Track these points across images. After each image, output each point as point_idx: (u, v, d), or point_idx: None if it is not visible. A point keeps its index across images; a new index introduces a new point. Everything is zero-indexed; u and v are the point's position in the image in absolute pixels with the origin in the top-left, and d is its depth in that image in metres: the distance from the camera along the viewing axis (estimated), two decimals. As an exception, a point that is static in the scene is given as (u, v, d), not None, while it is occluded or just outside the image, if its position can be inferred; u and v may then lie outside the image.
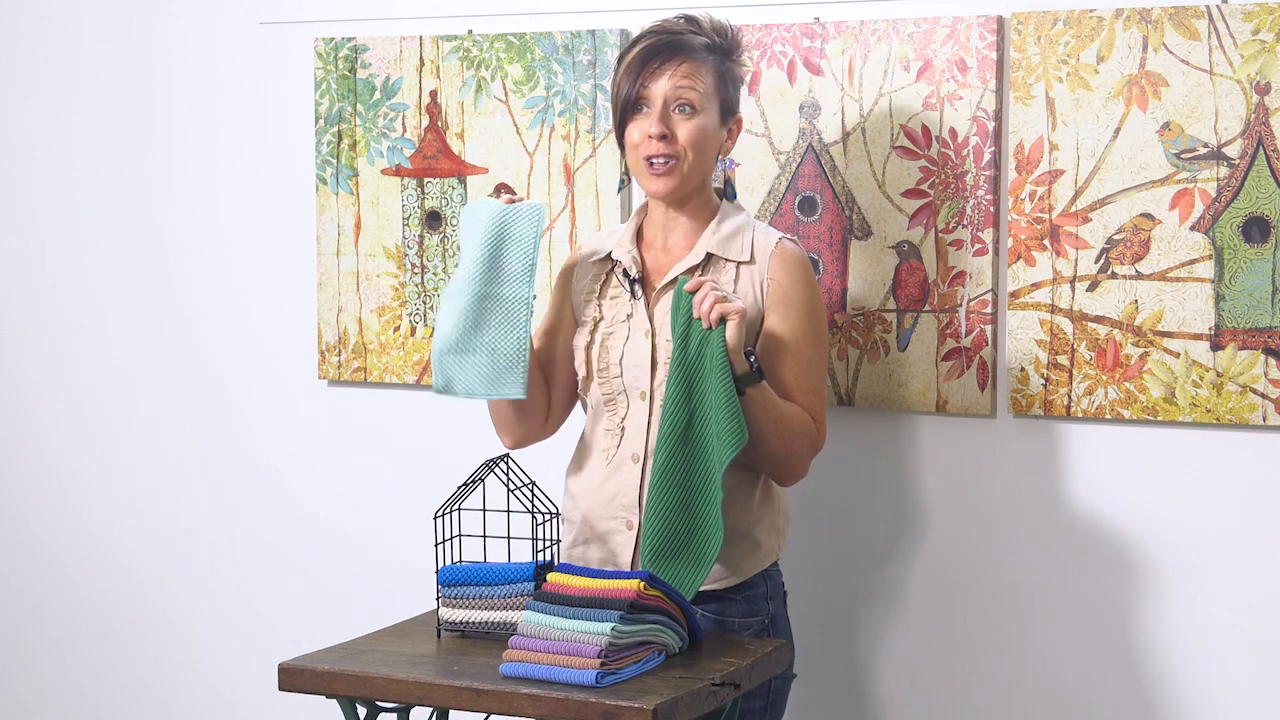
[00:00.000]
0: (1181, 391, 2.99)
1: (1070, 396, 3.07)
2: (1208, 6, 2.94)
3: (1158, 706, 3.07)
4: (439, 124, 3.52)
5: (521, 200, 2.88)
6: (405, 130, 3.55)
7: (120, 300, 3.91)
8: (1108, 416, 3.04)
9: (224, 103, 3.78)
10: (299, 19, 3.67)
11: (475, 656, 2.72)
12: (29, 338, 4.02)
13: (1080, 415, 3.06)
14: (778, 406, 2.79)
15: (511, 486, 2.83)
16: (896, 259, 3.17)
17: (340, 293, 3.63)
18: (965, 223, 3.11)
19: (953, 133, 3.11)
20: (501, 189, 3.46)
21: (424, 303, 3.55)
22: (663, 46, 2.86)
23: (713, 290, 2.74)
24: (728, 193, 2.96)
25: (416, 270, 3.56)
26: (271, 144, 3.73)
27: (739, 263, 2.87)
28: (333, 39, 3.60)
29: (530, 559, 2.94)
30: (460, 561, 2.90)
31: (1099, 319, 3.04)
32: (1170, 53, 2.96)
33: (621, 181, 3.01)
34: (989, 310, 3.11)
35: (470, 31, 3.50)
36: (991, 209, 3.10)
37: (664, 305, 2.88)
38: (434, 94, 3.52)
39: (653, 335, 2.88)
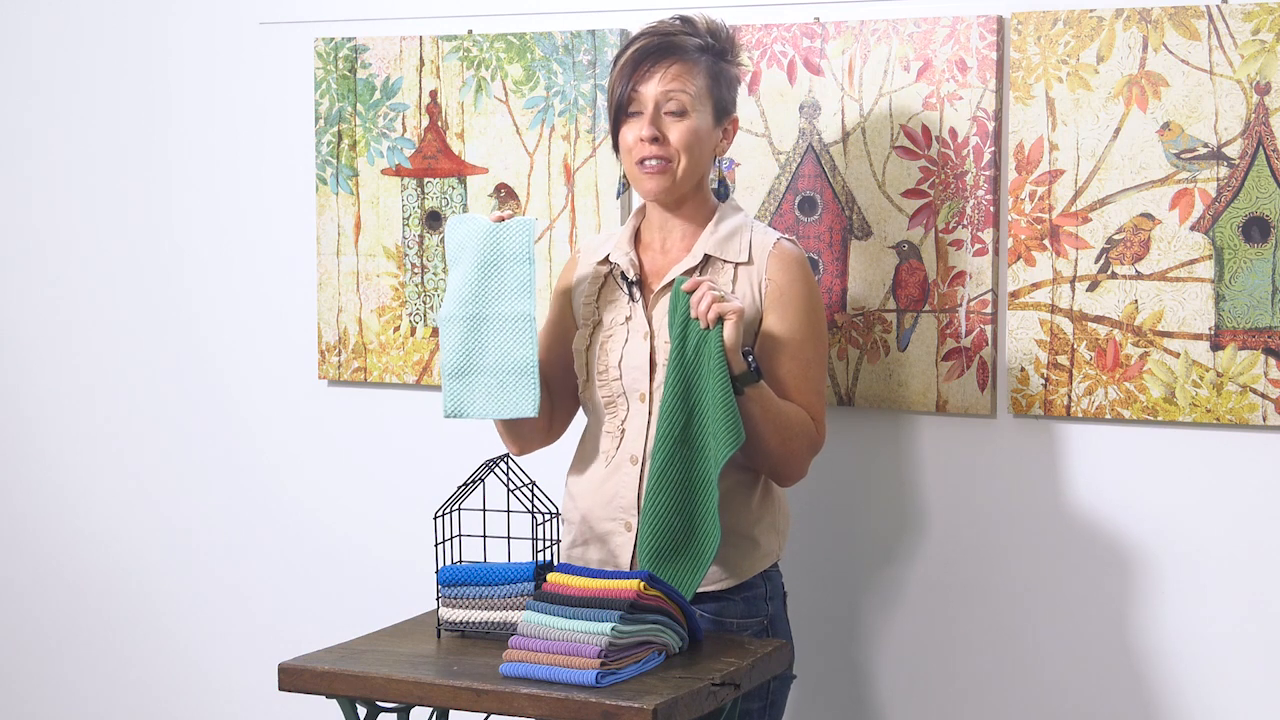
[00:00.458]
0: (1181, 391, 2.99)
1: (1070, 396, 3.07)
2: (1208, 6, 2.94)
3: (1157, 706, 3.07)
4: (439, 124, 3.52)
5: (512, 216, 2.87)
6: (405, 130, 3.55)
7: (120, 300, 3.91)
8: (1108, 416, 3.04)
9: (224, 103, 3.77)
10: (299, 19, 3.67)
11: (475, 656, 2.72)
12: (29, 338, 4.02)
13: (1080, 415, 3.06)
14: (776, 406, 2.78)
15: (511, 487, 2.83)
16: (896, 259, 3.17)
17: (340, 293, 3.63)
18: (965, 223, 3.11)
19: (953, 133, 3.11)
20: (501, 189, 3.46)
21: (424, 303, 3.55)
22: (655, 48, 2.85)
23: (710, 290, 2.73)
24: (720, 192, 2.95)
25: (416, 270, 3.55)
26: (271, 144, 3.73)
27: (737, 264, 2.87)
28: (333, 39, 3.60)
29: (530, 559, 2.94)
30: (460, 561, 2.89)
31: (1099, 319, 3.04)
32: (1170, 53, 2.96)
33: (621, 186, 3.00)
34: (989, 310, 3.11)
35: (470, 31, 3.49)
36: (991, 209, 3.10)
37: (662, 307, 2.87)
38: (434, 94, 3.52)
39: (651, 337, 2.88)
